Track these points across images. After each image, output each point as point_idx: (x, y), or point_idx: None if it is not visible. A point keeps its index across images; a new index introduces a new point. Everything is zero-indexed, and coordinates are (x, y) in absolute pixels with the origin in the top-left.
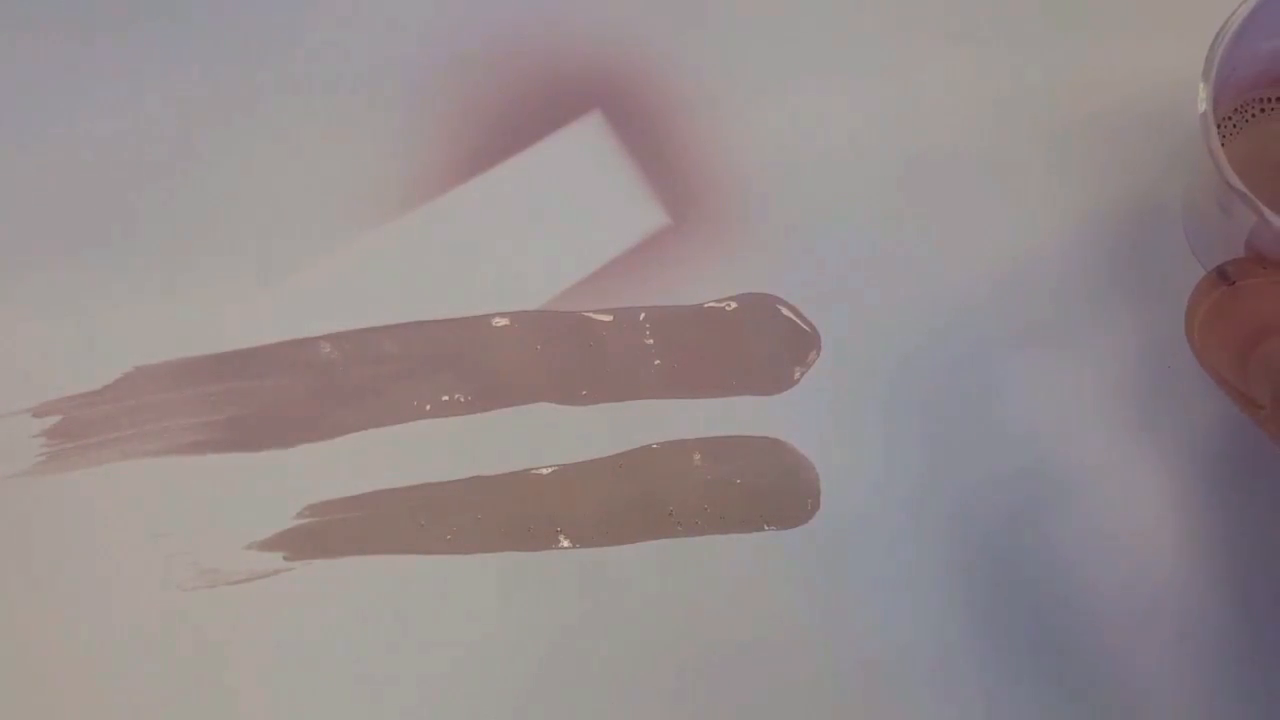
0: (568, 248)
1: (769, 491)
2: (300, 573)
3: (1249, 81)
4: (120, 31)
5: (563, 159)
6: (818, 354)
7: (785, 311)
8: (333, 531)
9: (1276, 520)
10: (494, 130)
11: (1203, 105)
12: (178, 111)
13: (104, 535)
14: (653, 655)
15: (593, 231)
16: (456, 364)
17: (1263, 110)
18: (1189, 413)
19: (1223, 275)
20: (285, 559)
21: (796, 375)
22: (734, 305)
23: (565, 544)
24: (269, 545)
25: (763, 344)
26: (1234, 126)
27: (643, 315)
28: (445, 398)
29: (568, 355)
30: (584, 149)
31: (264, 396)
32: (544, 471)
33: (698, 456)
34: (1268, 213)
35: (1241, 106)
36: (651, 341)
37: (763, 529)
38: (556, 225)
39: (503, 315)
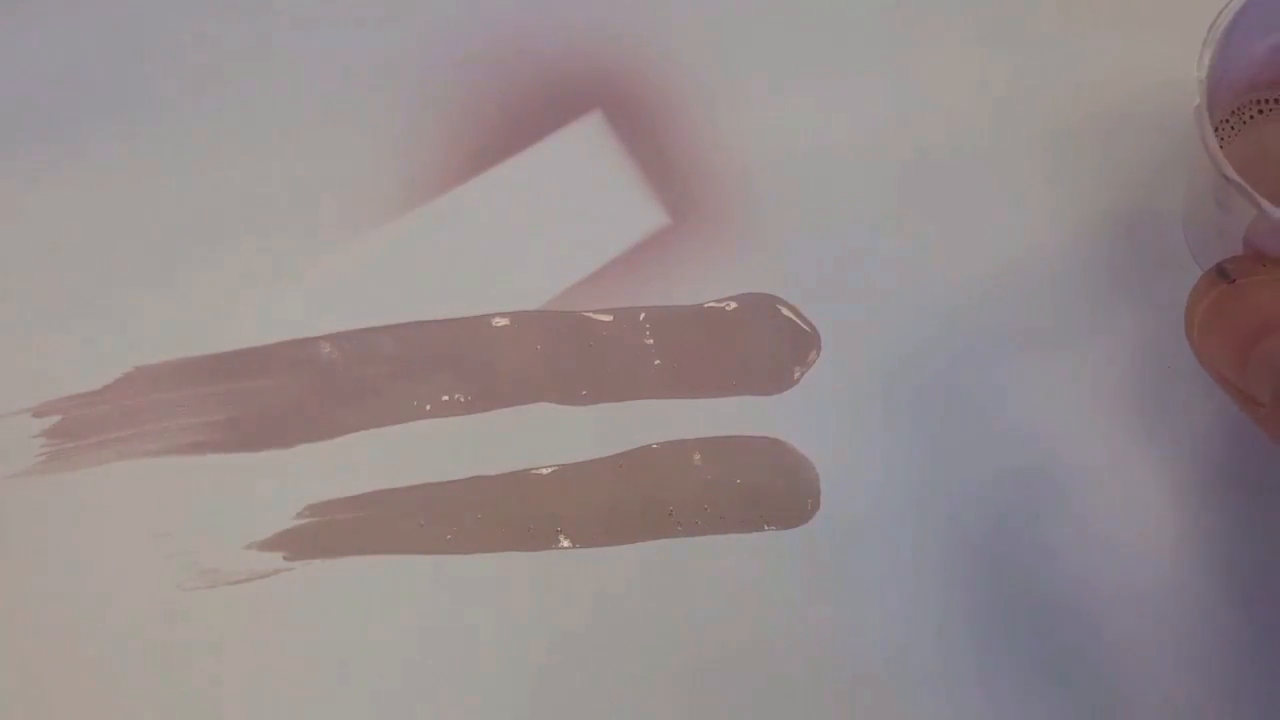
0: (568, 248)
1: (769, 491)
2: (300, 573)
3: (1246, 83)
4: (120, 31)
5: (563, 159)
6: (818, 354)
7: (785, 311)
8: (333, 531)
9: (1276, 520)
10: (494, 130)
11: (1197, 99)
12: (177, 111)
13: (104, 535)
14: (653, 655)
15: (593, 231)
16: (456, 364)
17: (1260, 112)
18: (1189, 412)
19: (1222, 273)
20: (285, 559)
21: (796, 375)
22: (734, 305)
23: (565, 544)
24: (269, 545)
25: (763, 344)
26: (1231, 129)
27: (643, 315)
28: (445, 398)
29: (568, 355)
30: (584, 149)
31: (264, 396)
32: (544, 471)
33: (698, 456)
34: (1264, 204)
35: (1239, 108)
36: (651, 341)
37: (763, 529)
38: (556, 225)
39: (503, 315)
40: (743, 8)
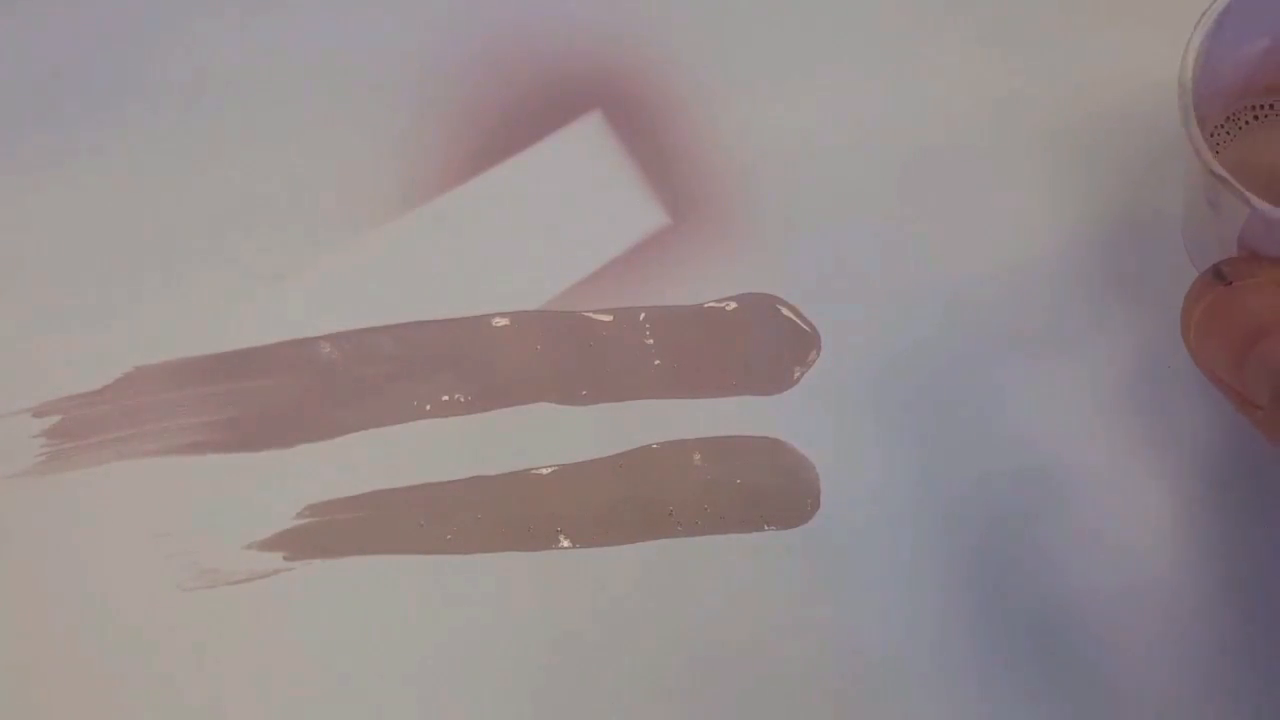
0: (568, 248)
1: (769, 491)
2: (300, 573)
3: (1240, 88)
4: (120, 30)
5: (563, 159)
6: (818, 354)
7: (785, 311)
8: (333, 531)
9: (1274, 520)
10: (494, 130)
11: (1183, 97)
12: (177, 111)
13: (104, 535)
14: (653, 655)
15: (593, 231)
16: (456, 364)
17: (1256, 118)
18: (1188, 412)
19: (1218, 275)
20: (285, 559)
21: (796, 375)
22: (734, 305)
23: (565, 544)
24: (269, 545)
25: (763, 344)
26: (1227, 134)
27: (643, 315)
28: (445, 398)
29: (568, 355)
30: (584, 149)
31: (264, 396)
32: (544, 471)
33: (698, 456)
34: (1252, 198)
35: (1234, 114)
36: (651, 341)
37: (763, 529)
38: (556, 225)
39: (503, 315)
40: (743, 8)
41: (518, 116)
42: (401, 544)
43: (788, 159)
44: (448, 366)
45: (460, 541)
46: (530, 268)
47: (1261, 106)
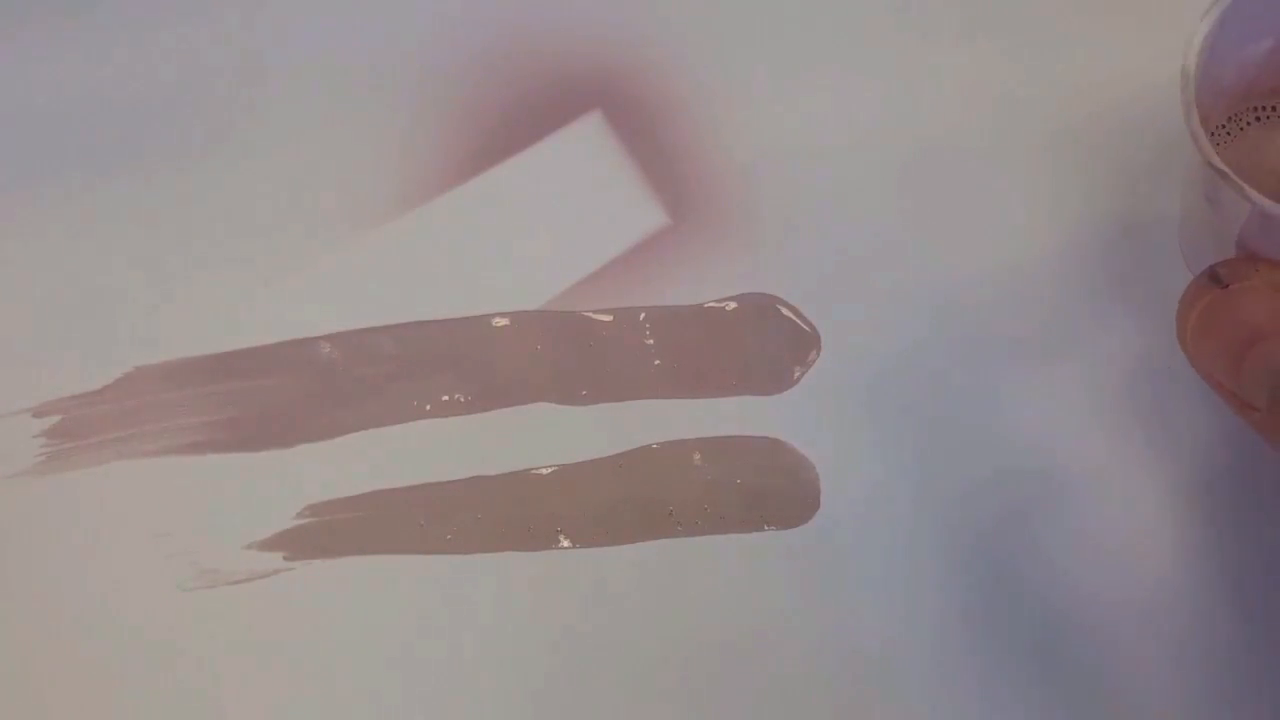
0: (568, 248)
1: (769, 491)
2: (300, 573)
3: (1241, 90)
4: (121, 31)
5: (563, 159)
6: (818, 354)
7: (785, 311)
8: (333, 531)
9: (1272, 522)
10: (494, 130)
11: (1185, 89)
12: (177, 111)
13: (104, 535)
14: (653, 655)
15: (593, 231)
16: (456, 364)
17: (1257, 119)
18: (1185, 415)
19: (1214, 278)
20: (285, 559)
21: (796, 375)
22: (734, 305)
23: (565, 544)
24: (269, 545)
25: (763, 344)
26: (1228, 134)
27: (643, 315)
28: (445, 398)
29: (568, 355)
30: (584, 149)
31: (264, 396)
32: (544, 471)
33: (698, 456)
34: (1250, 191)
35: (1235, 115)
36: (651, 341)
37: (763, 529)
38: (556, 225)
39: (503, 315)
40: (743, 7)
41: (518, 116)
42: (401, 544)
43: (788, 159)
44: (447, 366)
45: (460, 541)
46: (530, 268)
47: (1263, 108)
